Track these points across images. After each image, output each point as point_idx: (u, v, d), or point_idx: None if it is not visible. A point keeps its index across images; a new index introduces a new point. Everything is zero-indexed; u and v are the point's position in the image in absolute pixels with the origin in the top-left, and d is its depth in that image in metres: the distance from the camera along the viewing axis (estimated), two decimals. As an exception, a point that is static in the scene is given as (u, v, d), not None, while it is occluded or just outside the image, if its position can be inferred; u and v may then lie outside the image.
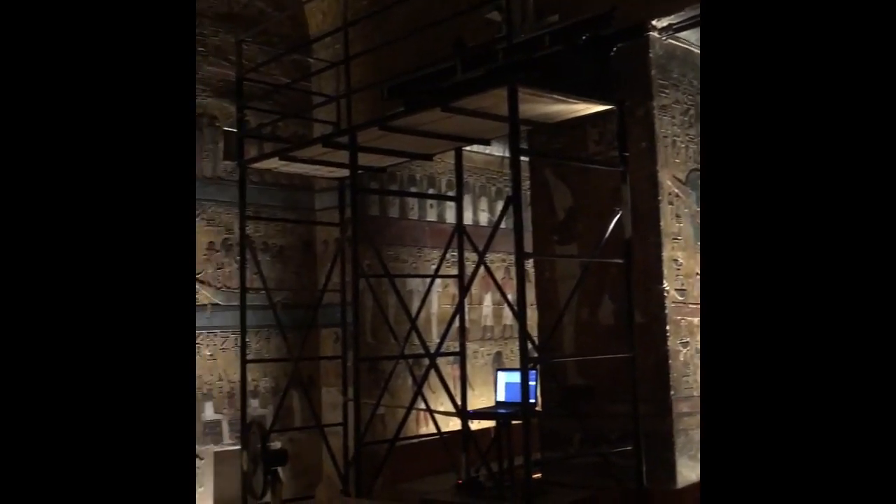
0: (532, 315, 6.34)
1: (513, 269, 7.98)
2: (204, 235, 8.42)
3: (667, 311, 5.91)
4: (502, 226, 5.97)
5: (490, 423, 6.62)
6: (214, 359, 8.39)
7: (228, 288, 8.48)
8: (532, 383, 5.37)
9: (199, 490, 8.04)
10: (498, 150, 8.51)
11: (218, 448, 8.25)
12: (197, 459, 8.06)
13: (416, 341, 6.97)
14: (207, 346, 8.34)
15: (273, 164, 7.54)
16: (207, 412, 8.27)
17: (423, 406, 6.74)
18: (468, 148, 7.45)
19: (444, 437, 6.90)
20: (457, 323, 7.14)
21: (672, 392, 5.84)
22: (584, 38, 5.64)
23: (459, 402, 7.01)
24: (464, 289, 7.36)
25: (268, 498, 6.95)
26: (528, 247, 6.42)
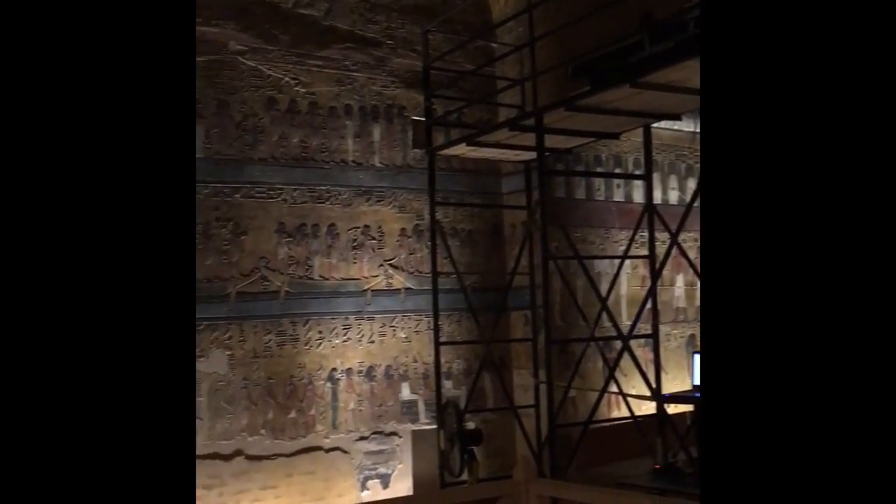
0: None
1: (707, 249, 7.64)
2: (396, 222, 8.74)
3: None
4: (696, 204, 5.74)
5: (686, 408, 6.42)
6: (409, 341, 8.69)
7: (420, 272, 8.75)
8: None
9: (398, 466, 8.39)
10: (688, 126, 8.20)
11: (415, 427, 8.57)
12: (395, 437, 8.41)
13: (606, 323, 6.87)
14: (402, 328, 8.66)
15: (460, 150, 7.68)
16: (404, 392, 8.60)
17: (615, 389, 6.65)
18: (656, 124, 7.23)
19: (637, 421, 6.77)
20: (648, 305, 6.97)
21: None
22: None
23: (654, 385, 6.84)
24: (655, 270, 7.17)
25: (465, 476, 7.13)
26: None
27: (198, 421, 7.48)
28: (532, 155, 7.07)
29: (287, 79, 8.30)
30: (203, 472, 7.44)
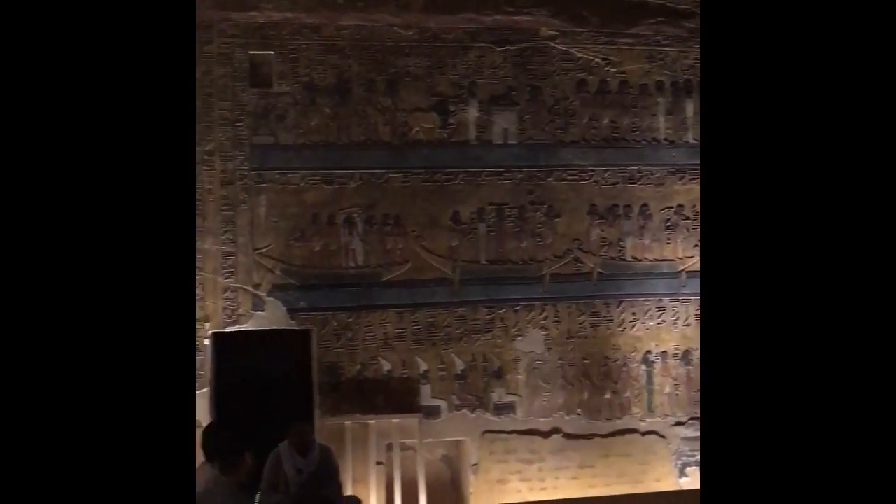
0: None
1: None
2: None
3: None
4: None
5: None
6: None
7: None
8: None
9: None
10: None
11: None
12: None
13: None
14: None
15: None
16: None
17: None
18: None
19: None
20: None
21: None
22: None
23: None
24: None
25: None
26: None
27: (516, 397, 7.77)
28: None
29: (597, 60, 8.28)
30: (523, 446, 7.72)
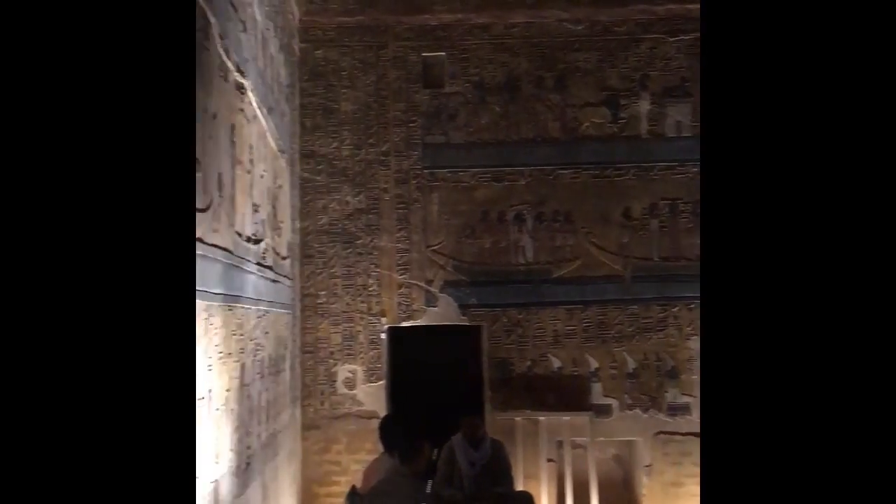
0: None
1: None
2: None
3: None
4: None
5: None
6: None
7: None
8: None
9: None
10: None
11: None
12: None
13: None
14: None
15: None
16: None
17: None
18: None
19: None
20: None
21: None
22: None
23: None
24: None
25: None
26: None
27: (691, 398, 7.52)
28: None
29: (778, 45, 7.86)
30: (699, 449, 7.46)
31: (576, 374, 7.68)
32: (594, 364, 7.69)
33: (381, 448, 5.11)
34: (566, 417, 7.43)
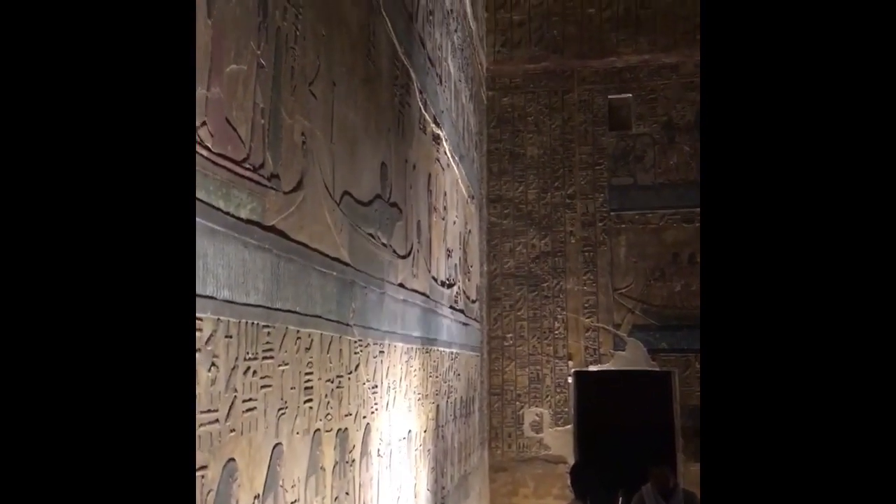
0: None
1: None
2: None
3: None
4: None
5: None
6: None
7: None
8: None
9: None
10: None
11: None
12: None
13: None
14: None
15: None
16: None
17: None
18: None
19: None
20: None
21: None
22: None
23: None
24: None
25: None
26: None
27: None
28: None
29: None
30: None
31: (776, 425, 7.24)
32: (796, 415, 7.23)
33: (570, 494, 5.05)
34: (766, 471, 7.00)
